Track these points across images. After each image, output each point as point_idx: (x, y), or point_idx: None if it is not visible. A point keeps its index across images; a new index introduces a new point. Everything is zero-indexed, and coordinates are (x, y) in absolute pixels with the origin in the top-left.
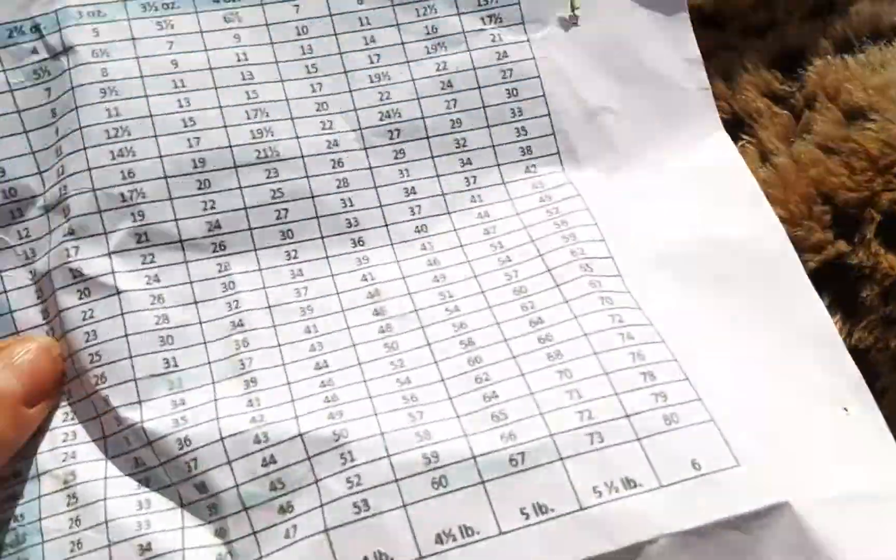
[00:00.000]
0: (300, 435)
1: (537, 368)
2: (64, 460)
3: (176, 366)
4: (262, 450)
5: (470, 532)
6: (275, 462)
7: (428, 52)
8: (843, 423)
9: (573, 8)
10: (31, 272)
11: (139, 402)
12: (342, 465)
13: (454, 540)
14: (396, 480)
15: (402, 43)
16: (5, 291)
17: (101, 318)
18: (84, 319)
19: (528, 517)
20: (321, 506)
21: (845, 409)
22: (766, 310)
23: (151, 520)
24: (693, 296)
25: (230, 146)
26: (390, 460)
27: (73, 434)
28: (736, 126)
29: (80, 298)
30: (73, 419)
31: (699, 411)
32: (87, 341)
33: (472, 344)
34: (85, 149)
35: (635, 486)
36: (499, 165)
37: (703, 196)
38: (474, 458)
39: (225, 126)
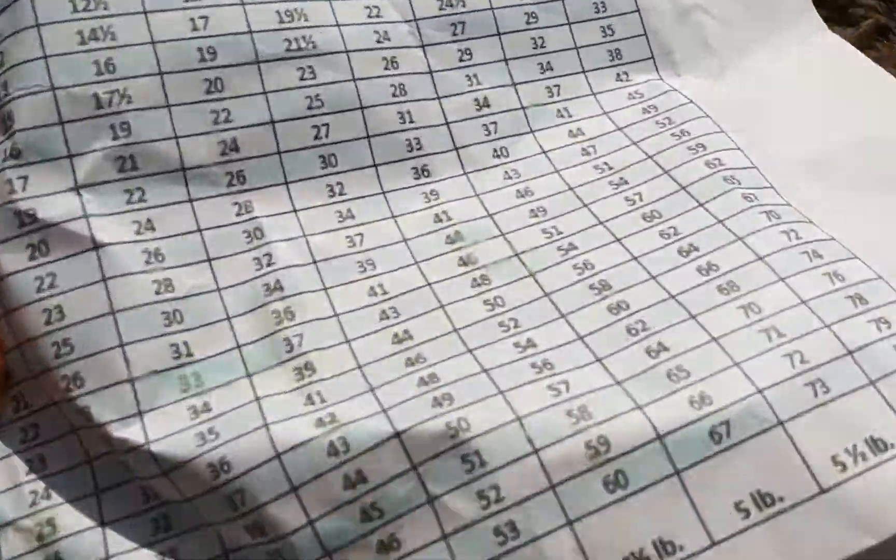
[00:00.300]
0: (396, 434)
1: (712, 305)
2: (33, 504)
3: (190, 355)
4: (341, 464)
5: (671, 549)
6: (364, 480)
7: None
8: None
9: None
10: None
11: (139, 414)
12: (468, 472)
13: None
14: (552, 486)
15: None
16: None
17: (68, 288)
18: (41, 290)
19: (747, 514)
20: (444, 538)
21: None
22: None
23: None
24: (861, 204)
25: (250, 31)
26: (539, 457)
27: (39, 460)
28: None
29: (34, 257)
30: (34, 438)
31: None
32: (47, 323)
33: (608, 287)
34: (38, 26)
35: (886, 448)
36: (584, 72)
37: (836, 97)
38: (660, 437)
39: (243, 3)
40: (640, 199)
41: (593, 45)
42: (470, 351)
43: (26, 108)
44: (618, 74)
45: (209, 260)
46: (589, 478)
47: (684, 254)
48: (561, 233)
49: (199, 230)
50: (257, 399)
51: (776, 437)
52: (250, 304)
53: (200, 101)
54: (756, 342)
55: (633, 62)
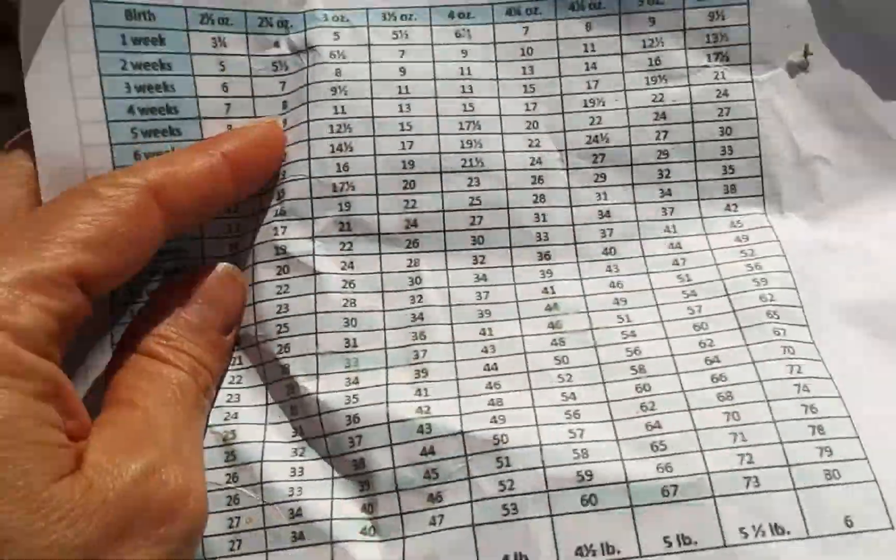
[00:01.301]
0: (462, 432)
1: (705, 406)
2: (226, 419)
3: (355, 347)
4: (423, 439)
5: (611, 550)
6: (433, 453)
7: (647, 83)
8: None
9: (806, 54)
10: (231, 245)
11: (317, 375)
12: (497, 467)
13: (594, 555)
14: (548, 491)
15: (623, 71)
16: (203, 257)
17: (294, 294)
18: (278, 293)
19: (670, 545)
20: (471, 501)
21: None
22: None
23: (304, 487)
24: (883, 353)
25: (439, 152)
26: (545, 472)
27: (237, 396)
28: None
29: (279, 273)
30: (238, 383)
31: (863, 470)
32: (277, 313)
33: (643, 371)
34: (309, 140)
35: (783, 532)
36: (699, 200)
37: None
38: (627, 482)
39: (438, 133)
40: (699, 311)
41: (712, 179)
42: (531, 389)
43: (294, 187)
44: (727, 205)
45: (382, 291)
46: (572, 492)
47: (708, 362)
48: (630, 321)
49: (381, 272)
50: (387, 384)
51: (706, 505)
52: (401, 323)
53: (398, 193)
54: (723, 440)
55: (745, 197)
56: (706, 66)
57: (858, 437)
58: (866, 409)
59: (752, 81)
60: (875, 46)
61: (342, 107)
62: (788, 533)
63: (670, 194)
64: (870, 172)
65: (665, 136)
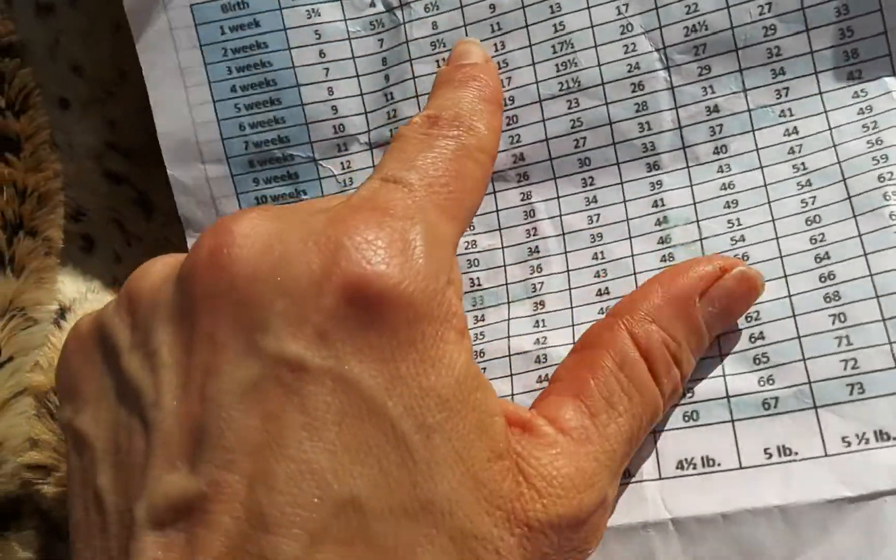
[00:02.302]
0: None
1: (811, 310)
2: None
3: (480, 286)
4: (539, 369)
5: (711, 463)
6: (548, 379)
7: None
8: None
9: None
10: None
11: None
12: None
13: (694, 467)
14: None
15: None
16: None
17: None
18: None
19: (770, 456)
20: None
21: None
22: None
23: None
24: None
25: (536, 82)
26: None
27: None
28: None
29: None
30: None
31: None
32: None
33: None
34: (417, 96)
35: (888, 438)
36: (817, 73)
37: None
38: (728, 397)
39: (533, 63)
40: (813, 203)
41: (830, 47)
42: None
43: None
44: (850, 73)
45: (500, 229)
46: (675, 410)
47: (818, 260)
48: (740, 224)
49: (497, 211)
50: (508, 319)
51: (808, 416)
52: (519, 258)
53: (503, 131)
54: (827, 345)
55: (869, 60)
56: None
57: None
58: None
59: None
60: None
61: (443, 59)
62: (894, 438)
63: (784, 73)
64: None
65: (769, 9)
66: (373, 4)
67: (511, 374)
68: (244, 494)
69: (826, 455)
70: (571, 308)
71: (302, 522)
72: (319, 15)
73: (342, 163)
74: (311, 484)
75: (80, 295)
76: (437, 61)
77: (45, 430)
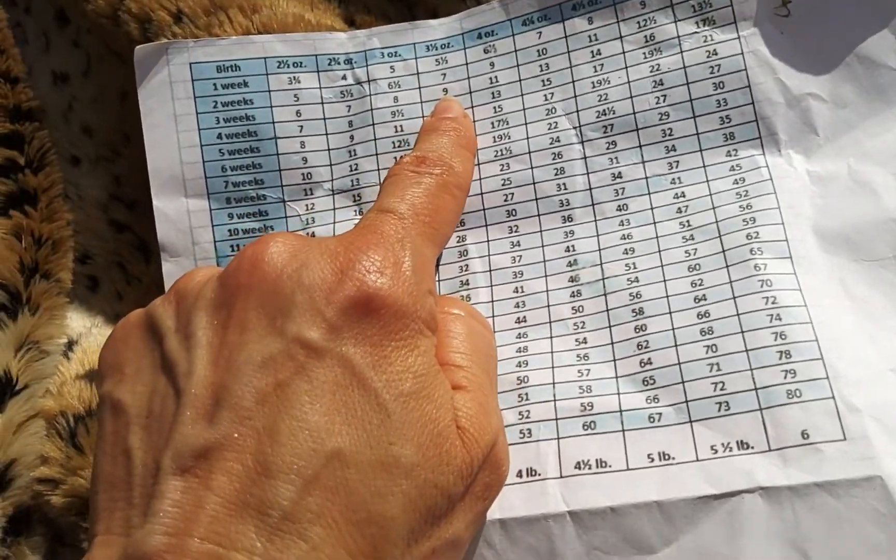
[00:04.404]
0: None
1: (690, 341)
2: None
3: None
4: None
5: (604, 464)
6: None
7: (644, 57)
8: None
9: (785, 2)
10: (307, 234)
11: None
12: (518, 401)
13: (589, 467)
14: (556, 419)
15: (623, 52)
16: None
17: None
18: None
19: (652, 461)
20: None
21: None
22: None
23: None
24: (859, 276)
25: (476, 150)
26: (555, 404)
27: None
28: None
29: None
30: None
31: (823, 389)
32: None
33: (642, 313)
34: (377, 154)
35: (748, 447)
36: (701, 151)
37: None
38: (621, 411)
39: (475, 134)
40: (694, 254)
41: (712, 130)
42: (551, 337)
43: (367, 192)
44: (728, 151)
45: (437, 265)
46: (576, 420)
47: (697, 301)
48: (635, 268)
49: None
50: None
51: (684, 428)
52: (451, 289)
53: None
54: (701, 371)
55: (743, 141)
56: (695, 33)
57: (822, 358)
58: (836, 331)
59: (738, 37)
60: None
61: (401, 126)
62: (752, 447)
63: (675, 150)
64: (861, 101)
65: (664, 100)
66: (344, 78)
67: None
68: (254, 446)
69: (697, 460)
70: (495, 332)
71: (298, 470)
72: (299, 82)
73: (307, 205)
74: (307, 438)
75: (86, 329)
76: (396, 127)
77: (53, 448)
